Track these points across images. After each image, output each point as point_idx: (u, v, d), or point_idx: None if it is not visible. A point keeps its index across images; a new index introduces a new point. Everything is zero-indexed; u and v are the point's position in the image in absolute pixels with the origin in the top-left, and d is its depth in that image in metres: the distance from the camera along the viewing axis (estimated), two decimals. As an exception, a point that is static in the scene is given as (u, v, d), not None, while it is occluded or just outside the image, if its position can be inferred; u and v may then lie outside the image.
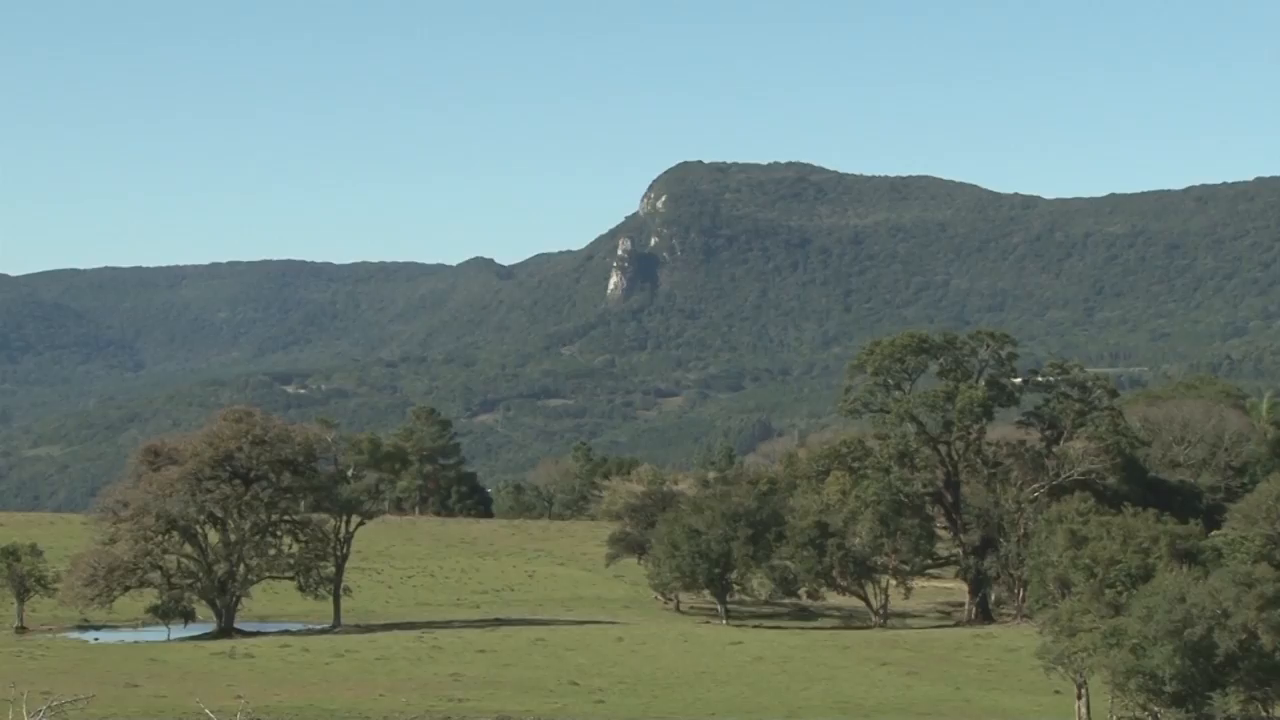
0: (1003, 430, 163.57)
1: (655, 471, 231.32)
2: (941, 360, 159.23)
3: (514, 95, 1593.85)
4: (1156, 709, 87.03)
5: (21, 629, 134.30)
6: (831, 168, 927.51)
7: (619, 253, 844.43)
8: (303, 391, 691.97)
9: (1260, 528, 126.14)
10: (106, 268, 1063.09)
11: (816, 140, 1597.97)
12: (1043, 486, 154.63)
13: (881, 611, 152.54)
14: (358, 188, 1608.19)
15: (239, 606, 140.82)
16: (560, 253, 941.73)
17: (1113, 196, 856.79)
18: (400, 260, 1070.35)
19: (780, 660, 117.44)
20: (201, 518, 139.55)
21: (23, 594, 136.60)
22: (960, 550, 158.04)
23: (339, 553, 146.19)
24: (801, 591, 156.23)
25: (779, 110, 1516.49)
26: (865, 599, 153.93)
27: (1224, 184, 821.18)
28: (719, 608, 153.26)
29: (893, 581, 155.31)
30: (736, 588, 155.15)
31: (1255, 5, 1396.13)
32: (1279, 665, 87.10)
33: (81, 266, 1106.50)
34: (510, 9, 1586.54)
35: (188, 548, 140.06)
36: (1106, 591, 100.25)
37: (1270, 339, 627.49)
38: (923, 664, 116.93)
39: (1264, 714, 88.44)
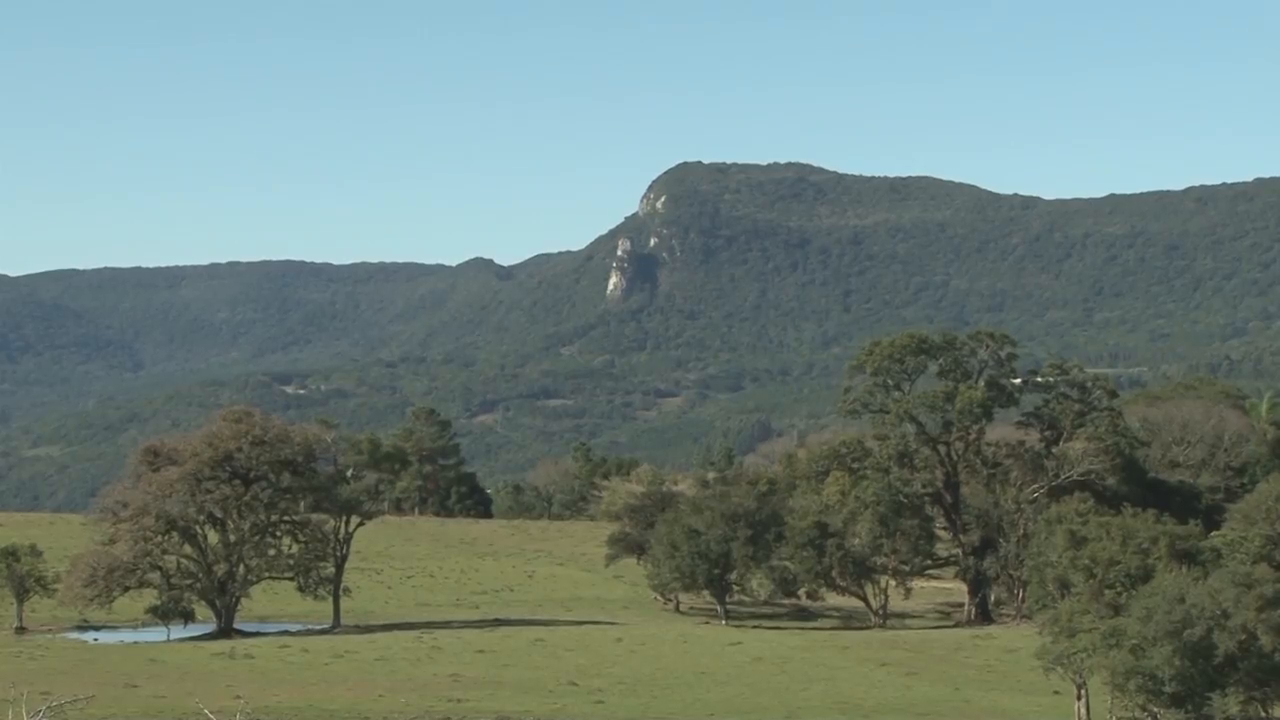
0: (1002, 431, 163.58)
1: (655, 472, 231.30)
2: (941, 361, 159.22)
3: (514, 95, 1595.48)
4: (1156, 709, 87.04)
5: (21, 629, 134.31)
6: (831, 168, 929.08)
7: (618, 253, 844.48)
8: (302, 392, 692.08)
9: (1260, 528, 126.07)
10: (106, 268, 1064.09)
11: (816, 140, 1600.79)
12: (1042, 487, 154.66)
13: (881, 612, 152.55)
14: (358, 188, 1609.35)
15: (238, 607, 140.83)
16: (560, 253, 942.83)
17: (1112, 197, 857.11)
18: (400, 260, 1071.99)
19: (779, 661, 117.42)
20: (201, 518, 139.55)
21: (22, 594, 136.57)
22: (960, 551, 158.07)
23: (338, 553, 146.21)
24: (801, 592, 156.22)
25: (778, 111, 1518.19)
26: (865, 599, 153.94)
27: (1223, 184, 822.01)
28: (718, 608, 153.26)
29: (892, 582, 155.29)
30: (736, 588, 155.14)
31: (1255, 5, 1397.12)
32: (1278, 666, 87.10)
33: (81, 267, 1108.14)
34: (510, 9, 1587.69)
35: (187, 548, 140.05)
36: (1106, 592, 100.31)
37: (1270, 339, 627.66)
38: (922, 664, 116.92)
39: (1263, 715, 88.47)
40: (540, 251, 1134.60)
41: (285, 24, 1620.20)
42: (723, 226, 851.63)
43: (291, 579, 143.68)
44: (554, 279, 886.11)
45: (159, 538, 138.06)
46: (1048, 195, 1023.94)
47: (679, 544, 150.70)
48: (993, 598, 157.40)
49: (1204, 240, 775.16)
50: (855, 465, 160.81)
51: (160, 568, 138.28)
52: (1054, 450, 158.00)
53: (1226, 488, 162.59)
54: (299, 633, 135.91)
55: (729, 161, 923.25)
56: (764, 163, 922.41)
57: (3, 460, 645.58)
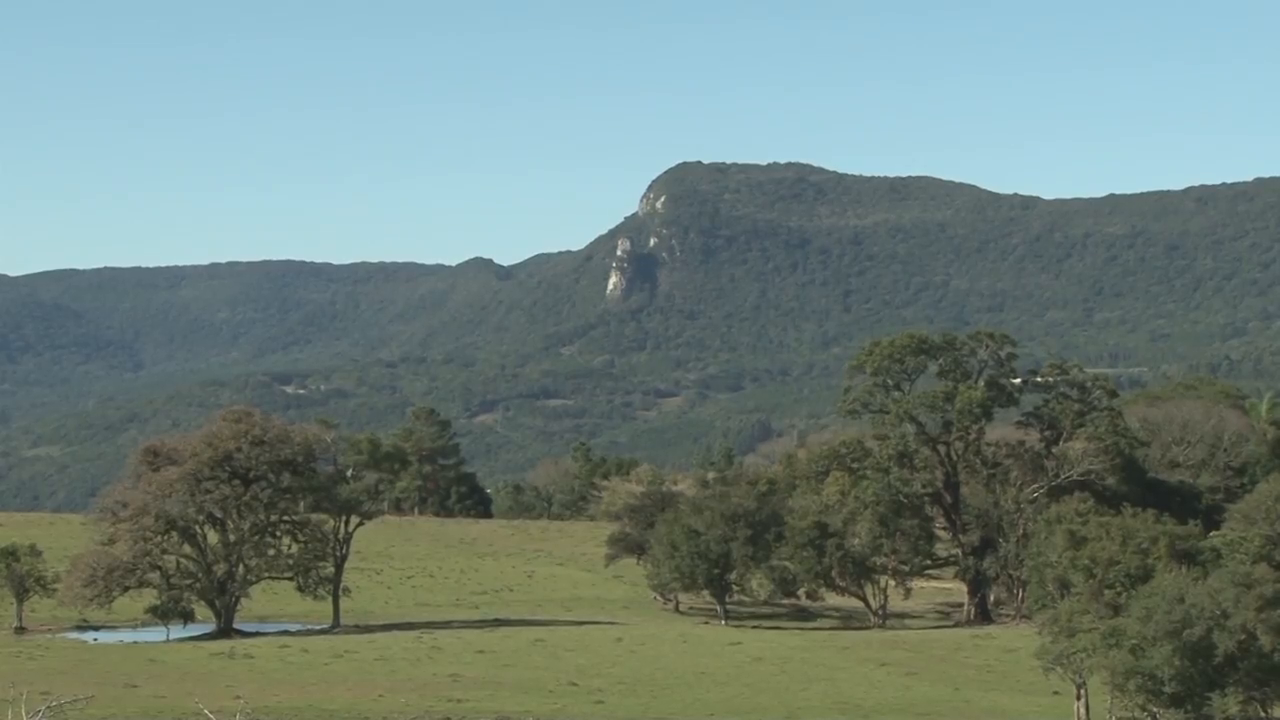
0: (1002, 431, 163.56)
1: (654, 472, 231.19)
2: (941, 361, 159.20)
3: (514, 95, 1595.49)
4: (1155, 709, 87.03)
5: (21, 629, 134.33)
6: (831, 168, 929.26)
7: (618, 253, 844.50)
8: (302, 392, 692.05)
9: (1259, 528, 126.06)
10: (106, 268, 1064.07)
11: (816, 140, 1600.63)
12: (1042, 487, 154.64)
13: (880, 612, 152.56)
14: (358, 188, 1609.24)
15: (238, 607, 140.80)
16: (560, 253, 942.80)
17: (1112, 197, 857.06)
18: (400, 260, 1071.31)
19: (779, 661, 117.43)
20: (201, 518, 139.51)
21: (22, 594, 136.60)
22: (959, 551, 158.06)
23: (338, 553, 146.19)
24: (801, 592, 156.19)
25: (778, 110, 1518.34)
26: (864, 599, 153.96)
27: (1223, 184, 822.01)
28: (718, 608, 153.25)
29: (892, 582, 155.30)
30: (736, 588, 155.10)
31: (1255, 5, 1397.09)
32: (1278, 666, 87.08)
33: (81, 267, 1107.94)
34: (510, 8, 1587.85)
35: (187, 548, 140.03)
36: (1106, 592, 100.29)
37: (1269, 339, 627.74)
38: (922, 664, 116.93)
39: (1263, 715, 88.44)
40: (540, 251, 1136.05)
41: (285, 24, 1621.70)
42: (723, 226, 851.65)
43: (291, 579, 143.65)
44: (554, 279, 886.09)
45: (159, 538, 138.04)
46: (1048, 195, 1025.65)
47: (679, 544, 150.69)
48: (992, 598, 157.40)
49: (1204, 240, 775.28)
50: (855, 465, 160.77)
51: (160, 568, 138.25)
52: (1054, 450, 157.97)
53: (1226, 488, 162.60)
54: (299, 633, 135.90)
55: (729, 161, 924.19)
56: (764, 163, 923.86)
57: (3, 460, 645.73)
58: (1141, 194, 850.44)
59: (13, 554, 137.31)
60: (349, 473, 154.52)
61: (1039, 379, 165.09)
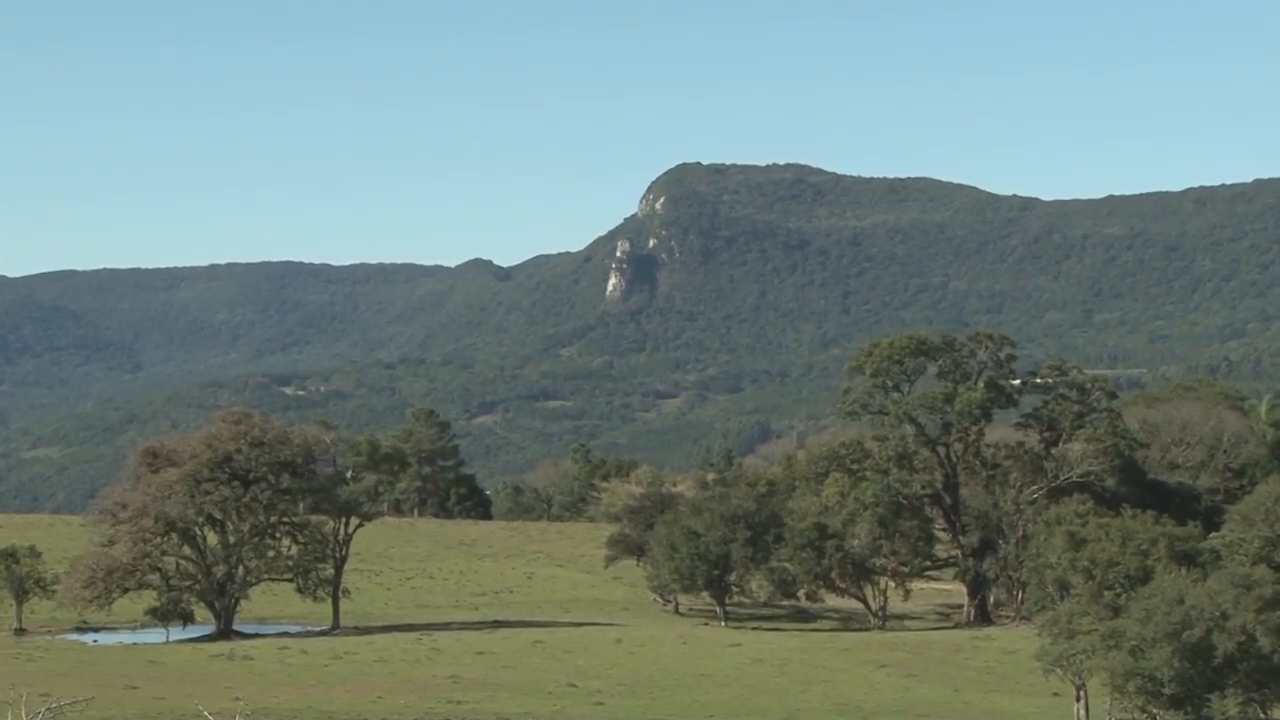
0: (1001, 432, 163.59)
1: (654, 473, 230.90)
2: (940, 362, 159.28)
3: (513, 95, 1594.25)
4: (1155, 711, 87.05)
5: (20, 631, 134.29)
6: (830, 169, 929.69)
7: (618, 254, 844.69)
8: (301, 393, 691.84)
9: (1259, 529, 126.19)
10: (105, 269, 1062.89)
11: (815, 142, 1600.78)
12: (1041, 488, 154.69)
13: (880, 613, 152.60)
14: (357, 188, 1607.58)
15: (238, 608, 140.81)
16: (559, 254, 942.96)
17: (1111, 198, 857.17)
18: (399, 262, 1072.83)
19: (779, 662, 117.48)
20: (200, 519, 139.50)
21: (21, 596, 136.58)
22: (959, 552, 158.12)
23: (338, 554, 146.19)
24: (800, 593, 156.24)
25: (777, 112, 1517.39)
26: (864, 601, 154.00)
27: (1222, 186, 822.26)
28: (718, 610, 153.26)
29: (891, 583, 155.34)
30: (735, 590, 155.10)
31: (1255, 5, 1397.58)
32: (1277, 667, 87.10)
33: (80, 268, 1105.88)
34: (509, 9, 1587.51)
35: (186, 549, 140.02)
36: (1105, 593, 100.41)
37: (1269, 341, 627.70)
38: (921, 666, 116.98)
39: (1262, 716, 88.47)
40: (539, 252, 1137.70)
41: (285, 24, 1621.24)
42: (722, 228, 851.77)
43: (291, 580, 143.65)
44: (553, 280, 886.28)
45: (158, 539, 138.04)
46: (1046, 196, 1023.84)
47: (678, 545, 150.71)
48: (992, 599, 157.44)
49: (1203, 241, 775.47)
50: (854, 467, 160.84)
51: (159, 569, 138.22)
52: (1053, 451, 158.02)
53: (1225, 489, 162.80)
54: (298, 634, 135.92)
55: (728, 162, 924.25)
56: (763, 164, 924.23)
57: (2, 462, 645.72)
58: (1140, 195, 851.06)
59: (12, 555, 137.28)
60: (348, 474, 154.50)
61: (1038, 380, 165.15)
